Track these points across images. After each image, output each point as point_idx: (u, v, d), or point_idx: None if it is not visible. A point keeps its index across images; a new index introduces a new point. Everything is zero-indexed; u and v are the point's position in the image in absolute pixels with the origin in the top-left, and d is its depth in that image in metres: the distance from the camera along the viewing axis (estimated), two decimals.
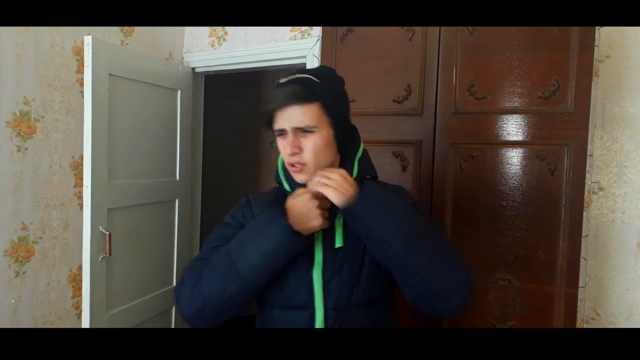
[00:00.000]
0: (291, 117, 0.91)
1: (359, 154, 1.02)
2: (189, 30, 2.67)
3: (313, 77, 0.92)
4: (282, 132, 0.94)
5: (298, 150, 0.92)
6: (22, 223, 1.92)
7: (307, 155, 0.92)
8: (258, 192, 1.13)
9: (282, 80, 0.95)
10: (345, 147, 0.99)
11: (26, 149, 1.91)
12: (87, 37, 1.91)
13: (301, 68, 0.99)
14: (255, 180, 3.80)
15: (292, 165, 0.94)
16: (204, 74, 2.77)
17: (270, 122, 0.95)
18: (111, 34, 2.24)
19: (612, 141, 1.68)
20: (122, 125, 2.10)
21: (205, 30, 2.60)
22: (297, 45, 2.28)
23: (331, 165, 0.96)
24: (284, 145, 0.94)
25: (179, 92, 2.49)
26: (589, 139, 1.41)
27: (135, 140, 2.20)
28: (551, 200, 1.42)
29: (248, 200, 1.07)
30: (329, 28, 1.72)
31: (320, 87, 0.92)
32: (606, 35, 1.66)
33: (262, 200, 1.06)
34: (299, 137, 0.92)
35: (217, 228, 1.03)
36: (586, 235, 1.67)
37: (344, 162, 0.99)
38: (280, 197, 1.02)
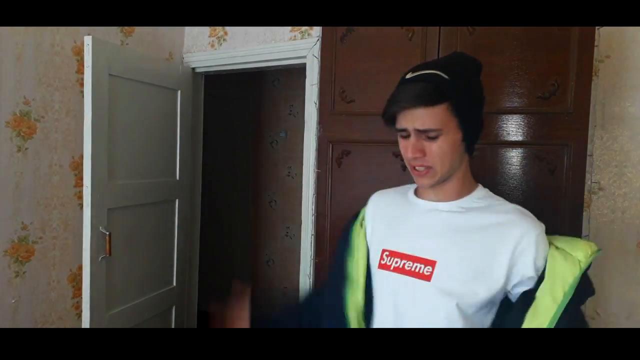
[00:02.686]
0: (414, 118, 0.83)
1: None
2: (189, 30, 2.67)
3: (442, 74, 0.83)
4: (404, 133, 0.86)
5: (421, 154, 0.85)
6: (22, 223, 1.92)
7: (432, 159, 0.85)
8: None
9: (409, 76, 0.86)
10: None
11: (26, 149, 1.91)
12: (87, 37, 1.91)
13: (431, 61, 0.93)
14: (255, 180, 3.80)
15: (414, 169, 0.88)
16: (204, 74, 2.77)
17: (391, 119, 0.88)
18: (111, 34, 2.24)
19: (612, 141, 1.68)
20: (122, 125, 2.10)
21: (205, 30, 2.60)
22: (297, 46, 2.28)
23: (458, 169, 0.90)
24: (405, 147, 0.87)
25: (179, 92, 2.49)
26: (588, 139, 1.41)
27: (135, 140, 2.20)
28: (551, 200, 1.42)
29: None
30: (328, 28, 1.72)
31: (450, 86, 0.83)
32: (606, 35, 1.66)
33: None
34: (422, 140, 0.85)
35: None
36: (586, 235, 1.67)
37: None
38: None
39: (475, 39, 1.49)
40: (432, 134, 0.83)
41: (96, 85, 1.93)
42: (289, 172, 3.68)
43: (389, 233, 0.97)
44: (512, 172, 1.46)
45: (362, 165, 1.65)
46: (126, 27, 2.31)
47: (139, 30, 2.40)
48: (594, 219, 1.70)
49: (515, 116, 1.45)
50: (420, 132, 0.84)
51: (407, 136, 0.86)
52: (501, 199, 0.93)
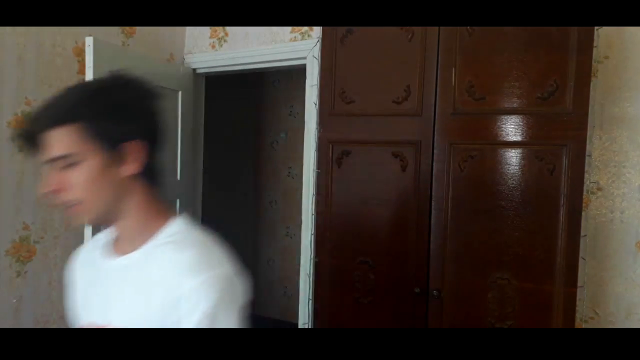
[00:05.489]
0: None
1: None
2: (190, 31, 2.68)
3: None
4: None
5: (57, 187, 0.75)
6: (24, 223, 1.93)
7: (76, 193, 0.76)
8: None
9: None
10: None
11: None
12: (88, 38, 1.92)
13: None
14: (256, 180, 3.81)
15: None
16: (205, 75, 2.77)
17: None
18: (112, 34, 2.24)
19: (611, 141, 1.68)
20: None
21: (205, 31, 2.61)
22: (297, 47, 2.29)
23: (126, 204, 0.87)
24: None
25: (180, 92, 2.49)
26: (587, 139, 1.42)
27: None
28: (550, 200, 1.42)
29: None
30: (328, 29, 1.72)
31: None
32: (605, 36, 1.67)
33: None
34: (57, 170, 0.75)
35: None
36: (585, 235, 1.68)
37: None
38: None
39: (475, 40, 1.50)
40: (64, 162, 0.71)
41: None
42: (289, 173, 3.69)
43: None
44: (511, 172, 1.46)
45: (362, 165, 1.66)
46: (127, 28, 2.32)
47: (139, 31, 2.40)
48: (593, 218, 1.71)
49: (514, 116, 1.45)
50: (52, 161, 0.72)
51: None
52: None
